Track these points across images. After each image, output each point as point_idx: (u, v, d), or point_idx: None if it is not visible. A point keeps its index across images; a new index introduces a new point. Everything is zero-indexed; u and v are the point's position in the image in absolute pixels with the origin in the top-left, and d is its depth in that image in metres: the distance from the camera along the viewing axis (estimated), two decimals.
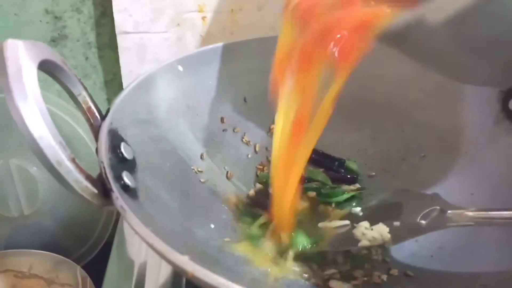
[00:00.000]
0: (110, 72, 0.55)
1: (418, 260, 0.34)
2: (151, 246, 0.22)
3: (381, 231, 0.32)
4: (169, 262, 0.21)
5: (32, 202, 0.50)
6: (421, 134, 0.42)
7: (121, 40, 0.50)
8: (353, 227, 0.34)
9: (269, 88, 0.45)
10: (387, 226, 0.32)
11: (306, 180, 0.41)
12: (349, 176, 0.43)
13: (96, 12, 0.51)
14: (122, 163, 0.29)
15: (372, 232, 0.32)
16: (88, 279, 0.45)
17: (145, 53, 0.51)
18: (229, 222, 0.36)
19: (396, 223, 0.32)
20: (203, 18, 0.50)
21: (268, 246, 0.34)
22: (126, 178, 0.28)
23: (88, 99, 0.31)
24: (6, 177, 0.49)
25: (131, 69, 0.52)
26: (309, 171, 0.43)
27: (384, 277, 0.33)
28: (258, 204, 0.38)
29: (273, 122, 0.45)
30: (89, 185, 0.24)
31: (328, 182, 0.42)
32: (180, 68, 0.41)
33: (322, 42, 0.27)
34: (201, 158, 0.40)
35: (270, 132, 0.45)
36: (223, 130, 0.43)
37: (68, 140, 0.35)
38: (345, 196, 0.39)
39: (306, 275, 0.32)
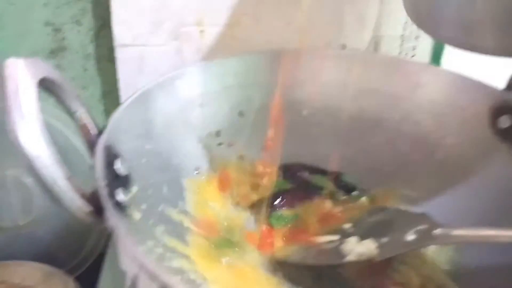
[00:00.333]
0: (108, 84, 0.55)
1: None
2: (141, 266, 0.23)
3: (369, 246, 0.33)
4: (160, 283, 0.22)
5: (27, 212, 0.50)
6: (412, 149, 0.43)
7: (120, 53, 0.51)
8: (342, 242, 0.34)
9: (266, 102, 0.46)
10: (376, 241, 0.33)
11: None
12: (348, 186, 0.44)
13: (96, 24, 0.52)
14: (117, 179, 0.30)
15: (359, 247, 0.33)
16: None
17: (144, 66, 0.52)
18: None
19: (384, 239, 0.33)
20: (201, 31, 0.51)
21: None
22: (121, 194, 0.28)
23: (84, 115, 0.31)
24: (1, 187, 0.49)
25: (129, 81, 0.53)
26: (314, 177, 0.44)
27: None
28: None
29: (267, 136, 0.46)
30: (84, 204, 0.25)
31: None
32: (177, 82, 0.41)
33: None
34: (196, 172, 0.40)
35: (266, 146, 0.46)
36: (219, 144, 0.43)
37: (65, 152, 0.36)
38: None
39: None
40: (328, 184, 0.43)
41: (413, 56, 0.53)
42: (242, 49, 0.48)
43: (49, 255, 0.51)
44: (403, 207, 0.41)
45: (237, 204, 0.41)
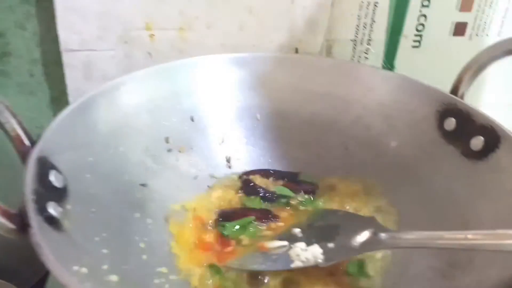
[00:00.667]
0: (57, 90, 0.53)
1: None
2: (64, 286, 0.21)
3: (315, 252, 0.33)
4: None
5: None
6: (363, 152, 0.43)
7: (67, 58, 0.49)
8: (290, 248, 0.34)
9: (217, 107, 0.46)
10: (321, 247, 0.33)
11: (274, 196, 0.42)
12: (310, 187, 0.44)
13: (41, 29, 0.50)
14: (50, 193, 0.29)
15: (306, 253, 0.33)
16: None
17: (92, 71, 0.50)
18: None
19: (331, 245, 0.33)
20: (151, 35, 0.50)
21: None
22: (52, 209, 0.27)
23: (16, 126, 0.30)
24: None
25: (78, 86, 0.51)
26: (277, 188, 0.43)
27: None
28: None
29: (221, 141, 0.46)
30: (5, 221, 0.23)
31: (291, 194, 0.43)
32: (123, 88, 0.40)
33: None
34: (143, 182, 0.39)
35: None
36: (168, 151, 0.42)
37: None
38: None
39: None
40: (286, 192, 0.43)
41: (366, 59, 0.53)
42: (194, 53, 0.47)
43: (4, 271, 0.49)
44: (352, 210, 0.41)
45: None
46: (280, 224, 0.40)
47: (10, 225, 0.24)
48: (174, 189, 0.40)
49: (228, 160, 0.45)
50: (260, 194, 0.42)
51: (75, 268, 0.25)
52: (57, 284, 0.39)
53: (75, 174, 0.32)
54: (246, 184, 0.43)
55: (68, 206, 0.29)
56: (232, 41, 0.51)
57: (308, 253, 0.33)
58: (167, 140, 0.42)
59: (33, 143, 0.31)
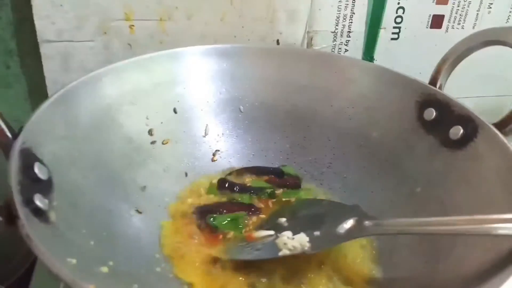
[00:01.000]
0: (34, 82, 0.52)
1: None
2: (56, 276, 0.21)
3: (301, 240, 0.33)
4: None
5: None
6: (345, 142, 0.44)
7: (44, 49, 0.48)
8: (277, 237, 0.35)
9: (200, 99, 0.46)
10: (308, 235, 0.33)
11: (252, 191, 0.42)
12: (294, 181, 0.44)
13: (16, 18, 0.49)
14: (35, 185, 0.28)
15: (292, 242, 0.33)
16: None
17: (70, 62, 0.49)
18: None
19: (317, 233, 0.33)
20: (131, 26, 0.49)
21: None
22: (38, 201, 0.27)
23: None
24: None
25: (56, 78, 0.50)
26: (253, 181, 0.43)
27: None
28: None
29: (204, 133, 0.46)
30: None
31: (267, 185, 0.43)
32: (104, 79, 0.40)
33: None
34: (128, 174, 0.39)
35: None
36: (152, 143, 0.42)
37: None
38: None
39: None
40: (263, 184, 0.43)
41: (346, 51, 0.54)
42: (174, 44, 0.46)
43: None
44: (335, 199, 0.41)
45: None
46: (263, 217, 0.40)
47: None
48: (158, 182, 0.40)
49: (213, 154, 0.45)
50: (236, 191, 0.42)
51: (65, 259, 0.25)
52: (42, 279, 0.39)
53: (59, 166, 0.32)
54: (221, 185, 0.42)
55: (54, 198, 0.29)
56: (213, 32, 0.51)
57: (295, 242, 0.33)
58: (150, 132, 0.42)
59: (14, 135, 0.30)
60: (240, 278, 0.34)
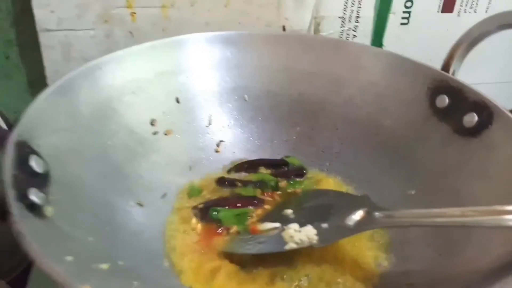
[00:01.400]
0: (35, 72, 0.51)
1: None
2: (49, 275, 0.20)
3: (309, 233, 0.32)
4: None
5: None
6: (355, 132, 0.42)
7: (43, 38, 0.47)
8: (283, 230, 0.33)
9: (203, 89, 0.44)
10: (315, 228, 0.32)
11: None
12: (298, 171, 0.42)
13: (14, 8, 0.48)
14: (31, 179, 0.27)
15: (299, 235, 0.32)
16: None
17: (71, 52, 0.48)
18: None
19: (325, 225, 0.32)
20: (132, 14, 0.48)
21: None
22: (34, 195, 0.26)
23: None
24: None
25: (57, 68, 0.49)
26: (256, 174, 0.42)
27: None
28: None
29: (208, 123, 0.44)
30: None
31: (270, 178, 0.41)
32: (105, 68, 0.38)
33: None
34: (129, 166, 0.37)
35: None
36: (154, 133, 0.41)
37: None
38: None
39: None
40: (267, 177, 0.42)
41: (354, 37, 0.52)
42: (177, 32, 0.45)
43: None
44: (344, 190, 0.40)
45: None
46: (268, 208, 0.39)
47: None
48: (161, 174, 0.39)
49: (217, 145, 0.44)
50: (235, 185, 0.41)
51: (61, 256, 0.24)
52: (41, 275, 0.39)
53: (57, 158, 0.31)
54: (221, 183, 0.41)
55: (51, 192, 0.28)
56: (217, 19, 0.49)
57: (302, 235, 0.32)
58: (152, 122, 0.41)
59: (10, 127, 0.29)
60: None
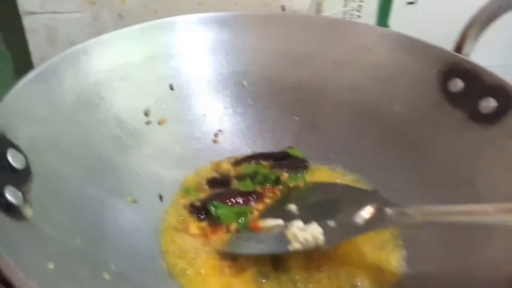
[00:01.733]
0: (21, 58, 0.48)
1: None
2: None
3: (314, 233, 0.29)
4: None
5: None
6: (361, 119, 0.40)
7: (27, 22, 0.44)
8: (286, 227, 0.31)
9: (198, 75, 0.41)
10: (321, 226, 0.30)
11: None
12: (299, 163, 0.40)
13: None
14: (8, 176, 0.25)
15: (304, 234, 0.29)
16: None
17: (57, 36, 0.45)
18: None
19: (331, 223, 0.30)
20: None
21: None
22: (10, 194, 0.23)
23: None
24: None
25: (43, 53, 0.46)
26: (255, 167, 0.39)
27: None
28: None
29: (204, 111, 0.42)
30: None
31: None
32: (91, 53, 0.35)
33: None
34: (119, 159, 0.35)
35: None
36: (146, 123, 0.38)
37: None
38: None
39: None
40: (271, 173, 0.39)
41: (358, 17, 0.49)
42: (170, 14, 0.42)
43: None
44: (351, 183, 0.37)
45: None
46: (270, 202, 0.36)
47: None
48: (154, 167, 0.37)
49: (215, 135, 0.41)
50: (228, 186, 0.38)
51: (41, 263, 0.21)
52: None
53: (38, 151, 0.28)
54: (212, 184, 0.38)
55: (31, 190, 0.25)
56: None
57: (307, 234, 0.29)
58: (144, 111, 0.38)
59: None
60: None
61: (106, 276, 0.26)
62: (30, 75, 0.31)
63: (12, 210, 0.23)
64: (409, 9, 0.50)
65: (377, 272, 0.30)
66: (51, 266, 0.22)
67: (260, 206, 0.36)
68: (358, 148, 0.39)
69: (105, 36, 0.36)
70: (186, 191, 0.36)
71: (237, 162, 0.40)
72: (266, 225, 0.32)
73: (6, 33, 0.47)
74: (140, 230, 0.32)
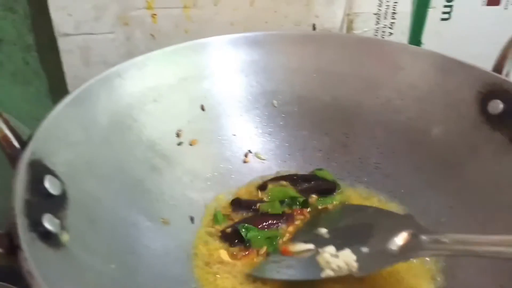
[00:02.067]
0: (55, 78, 0.49)
1: None
2: None
3: (347, 259, 0.28)
4: None
5: None
6: (395, 139, 0.39)
7: (62, 43, 0.45)
8: (317, 253, 0.30)
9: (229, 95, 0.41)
10: (354, 253, 0.29)
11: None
12: (328, 185, 0.39)
13: (32, 12, 0.46)
14: (45, 203, 0.25)
15: (337, 260, 0.29)
16: None
17: (90, 56, 0.46)
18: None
19: (365, 249, 0.29)
20: (153, 15, 0.45)
21: None
22: (48, 222, 0.23)
23: (2, 126, 0.26)
24: None
25: (77, 73, 0.47)
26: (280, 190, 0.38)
27: None
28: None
29: (235, 131, 0.41)
30: None
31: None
32: (125, 75, 0.36)
33: None
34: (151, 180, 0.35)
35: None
36: (178, 144, 0.38)
37: None
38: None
39: None
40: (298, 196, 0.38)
41: (390, 35, 0.48)
42: (201, 33, 0.42)
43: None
44: (383, 206, 0.36)
45: None
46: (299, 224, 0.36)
47: None
48: (184, 188, 0.36)
49: (245, 155, 0.41)
50: (252, 208, 0.37)
51: None
52: None
53: (74, 176, 0.28)
54: (236, 205, 0.38)
55: (67, 216, 0.26)
56: (242, 18, 0.46)
57: (339, 261, 0.28)
58: (176, 132, 0.38)
59: (23, 144, 0.27)
60: None
61: None
62: (66, 100, 0.31)
63: (50, 238, 0.23)
64: (443, 25, 0.48)
65: None
66: None
67: (291, 229, 0.35)
68: (391, 170, 0.38)
69: (139, 59, 0.37)
70: (215, 219, 0.36)
71: (264, 184, 0.39)
72: (296, 250, 0.32)
73: (42, 54, 0.48)
74: (172, 254, 0.32)
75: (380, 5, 0.47)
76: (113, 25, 0.45)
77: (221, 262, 0.32)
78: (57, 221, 0.24)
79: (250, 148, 0.41)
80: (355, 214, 0.35)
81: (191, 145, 0.39)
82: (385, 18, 0.47)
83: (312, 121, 0.42)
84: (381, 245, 0.29)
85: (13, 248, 0.20)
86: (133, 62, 0.36)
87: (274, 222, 0.35)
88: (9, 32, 0.47)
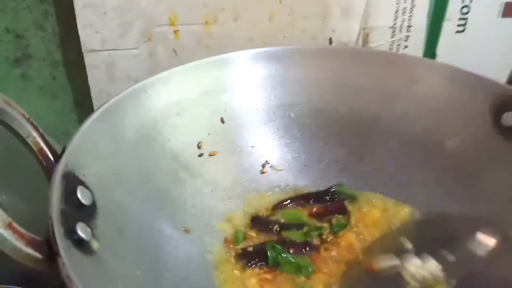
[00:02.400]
0: (80, 92, 0.51)
1: None
2: None
3: (433, 269, 0.28)
4: None
5: None
6: (410, 152, 0.40)
7: (88, 59, 0.47)
8: (403, 267, 0.30)
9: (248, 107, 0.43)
10: (439, 262, 0.29)
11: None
12: (338, 206, 0.39)
13: (60, 29, 0.48)
14: (78, 212, 0.26)
15: (422, 271, 0.29)
16: None
17: (115, 71, 0.48)
18: None
19: (451, 258, 0.29)
20: (176, 31, 0.47)
21: None
22: (81, 230, 0.25)
23: (39, 139, 0.28)
24: None
25: (101, 88, 0.49)
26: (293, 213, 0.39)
27: None
28: None
29: (253, 143, 0.43)
30: (31, 251, 0.21)
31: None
32: (150, 90, 0.38)
33: None
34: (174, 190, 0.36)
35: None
36: (199, 155, 0.40)
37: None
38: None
39: None
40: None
41: (405, 48, 0.49)
42: (221, 48, 0.44)
43: (27, 278, 0.48)
44: (400, 216, 0.37)
45: None
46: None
47: (37, 255, 0.21)
48: (206, 198, 0.38)
49: (262, 165, 0.42)
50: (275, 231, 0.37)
51: None
52: None
53: (103, 187, 0.30)
54: (256, 223, 0.38)
55: (97, 225, 0.27)
56: (261, 33, 0.47)
57: (424, 271, 0.29)
58: (197, 144, 0.40)
59: (56, 157, 0.28)
60: None
61: None
62: (95, 114, 0.33)
63: (83, 246, 0.24)
64: (458, 37, 0.49)
65: None
66: None
67: (319, 263, 0.34)
68: (407, 180, 0.39)
69: (163, 74, 0.39)
70: (236, 238, 0.36)
71: (276, 206, 0.40)
72: (382, 266, 0.31)
73: (69, 69, 0.50)
74: (194, 261, 0.34)
75: (395, 19, 0.48)
76: (137, 41, 0.47)
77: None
78: (88, 229, 0.26)
79: (267, 159, 0.43)
80: (435, 224, 0.35)
81: (210, 155, 0.40)
82: (400, 31, 0.49)
83: (329, 133, 0.43)
84: (467, 252, 0.29)
85: (52, 254, 0.22)
86: (158, 78, 0.38)
87: (297, 250, 0.35)
88: (38, 48, 0.49)
